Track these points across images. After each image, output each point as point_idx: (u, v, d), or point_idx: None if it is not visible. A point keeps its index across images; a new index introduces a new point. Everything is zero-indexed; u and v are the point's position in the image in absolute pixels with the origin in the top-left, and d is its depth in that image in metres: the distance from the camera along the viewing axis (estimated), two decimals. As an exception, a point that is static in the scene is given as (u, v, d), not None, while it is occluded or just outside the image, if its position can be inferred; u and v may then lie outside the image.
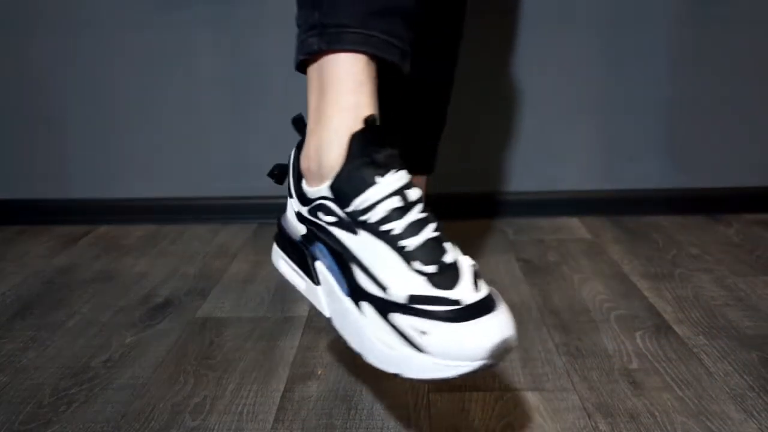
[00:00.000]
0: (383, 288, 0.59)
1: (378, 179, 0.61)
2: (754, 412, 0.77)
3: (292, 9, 0.92)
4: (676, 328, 0.97)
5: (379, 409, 0.80)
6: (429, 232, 0.61)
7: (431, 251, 0.59)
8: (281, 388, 0.84)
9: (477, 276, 0.60)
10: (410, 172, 0.65)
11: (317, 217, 0.65)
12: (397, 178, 0.62)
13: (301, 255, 0.68)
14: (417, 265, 0.59)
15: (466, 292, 0.57)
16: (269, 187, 1.49)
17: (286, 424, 0.77)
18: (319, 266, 0.66)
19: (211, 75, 1.45)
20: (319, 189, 0.65)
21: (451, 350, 0.56)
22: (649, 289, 1.10)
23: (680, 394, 0.81)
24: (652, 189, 1.50)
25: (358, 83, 0.64)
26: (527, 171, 1.50)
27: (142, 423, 0.78)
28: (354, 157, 0.62)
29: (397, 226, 0.60)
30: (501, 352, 0.57)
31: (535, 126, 1.48)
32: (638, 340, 0.94)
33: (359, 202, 0.61)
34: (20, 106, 1.49)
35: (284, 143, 1.50)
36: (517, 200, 1.50)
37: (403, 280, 0.59)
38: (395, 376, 0.58)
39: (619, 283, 1.13)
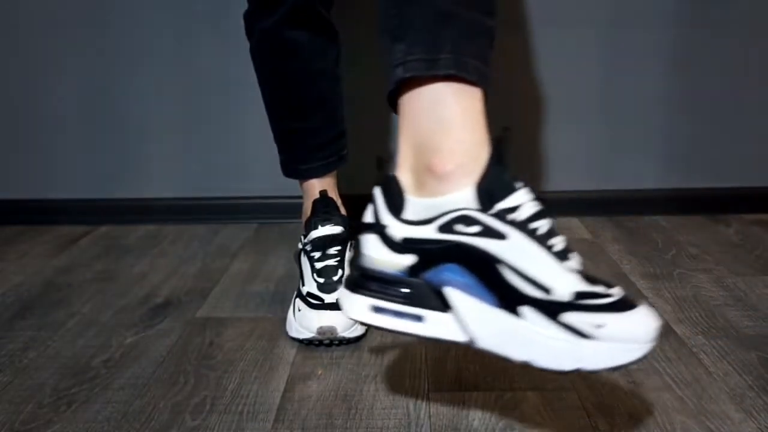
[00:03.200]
0: (546, 289, 0.60)
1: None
2: (754, 412, 0.77)
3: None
4: (675, 327, 0.97)
5: (379, 409, 0.80)
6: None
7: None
8: (281, 388, 0.85)
9: None
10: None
11: (454, 232, 0.61)
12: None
13: (413, 289, 0.63)
14: (569, 263, 0.61)
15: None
16: (269, 187, 1.50)
17: (287, 424, 0.77)
18: (450, 291, 0.62)
19: (211, 75, 1.46)
20: (454, 197, 0.62)
21: (627, 335, 0.58)
22: (648, 289, 1.10)
23: (680, 393, 0.81)
24: (652, 189, 1.50)
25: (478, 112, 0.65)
26: (527, 171, 1.50)
27: (143, 423, 0.78)
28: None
29: (541, 226, 0.62)
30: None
31: (535, 126, 1.48)
32: (638, 340, 0.94)
33: (509, 202, 0.61)
34: (20, 106, 1.49)
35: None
36: (517, 200, 1.50)
37: (564, 279, 0.60)
38: (576, 371, 0.59)
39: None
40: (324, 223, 1.02)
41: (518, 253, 0.60)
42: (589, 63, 1.45)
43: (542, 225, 0.62)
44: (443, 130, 0.63)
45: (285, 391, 0.84)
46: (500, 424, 0.76)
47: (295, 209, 1.54)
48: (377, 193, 0.65)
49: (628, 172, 1.50)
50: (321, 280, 0.96)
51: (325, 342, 0.93)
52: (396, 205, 0.63)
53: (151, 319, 1.04)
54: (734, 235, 1.35)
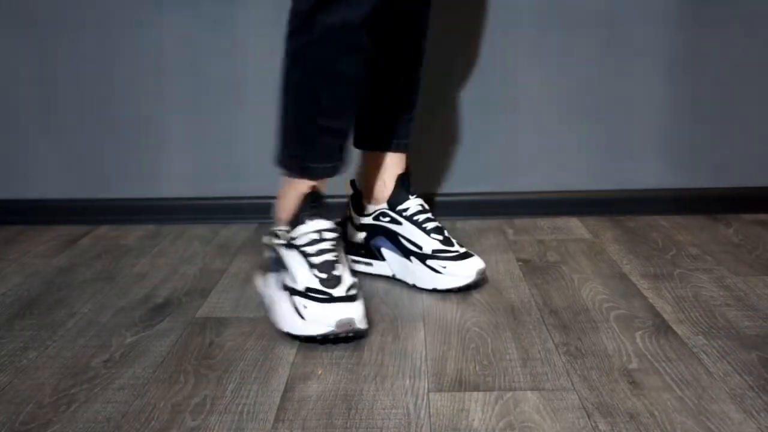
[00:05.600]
0: (420, 247, 1.14)
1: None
2: (754, 412, 0.77)
3: (292, 9, 0.92)
4: (675, 328, 0.97)
5: (379, 409, 0.80)
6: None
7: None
8: (281, 388, 0.85)
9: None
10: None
11: (380, 220, 1.19)
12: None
13: (367, 249, 1.20)
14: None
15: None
16: (269, 187, 1.50)
17: (287, 424, 0.77)
18: (384, 250, 1.18)
19: (212, 75, 1.46)
20: (380, 206, 1.20)
21: (460, 272, 1.10)
22: (648, 289, 1.10)
23: (680, 393, 0.81)
24: (652, 189, 1.50)
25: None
26: (528, 171, 1.50)
27: (143, 423, 0.78)
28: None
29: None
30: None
31: (535, 126, 1.48)
32: (638, 340, 0.94)
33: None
34: (20, 106, 1.50)
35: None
36: (517, 200, 1.50)
37: (428, 243, 1.14)
38: (433, 289, 1.12)
39: (618, 282, 1.13)
40: (312, 217, 1.02)
41: (405, 230, 1.16)
42: (589, 63, 1.45)
43: (421, 216, 1.16)
44: (382, 180, 1.19)
45: (285, 391, 0.84)
46: (500, 424, 0.76)
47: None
48: (349, 202, 1.23)
49: (629, 171, 1.50)
50: (323, 276, 0.97)
51: (341, 335, 0.93)
52: (359, 208, 1.22)
53: (151, 319, 1.04)
54: (734, 235, 1.36)
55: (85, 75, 1.47)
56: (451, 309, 1.05)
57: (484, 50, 1.44)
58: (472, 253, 1.15)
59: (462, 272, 1.10)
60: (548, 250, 1.30)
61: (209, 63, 1.45)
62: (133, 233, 1.45)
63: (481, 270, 1.12)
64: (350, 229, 1.22)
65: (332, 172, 1.08)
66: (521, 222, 1.47)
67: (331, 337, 0.93)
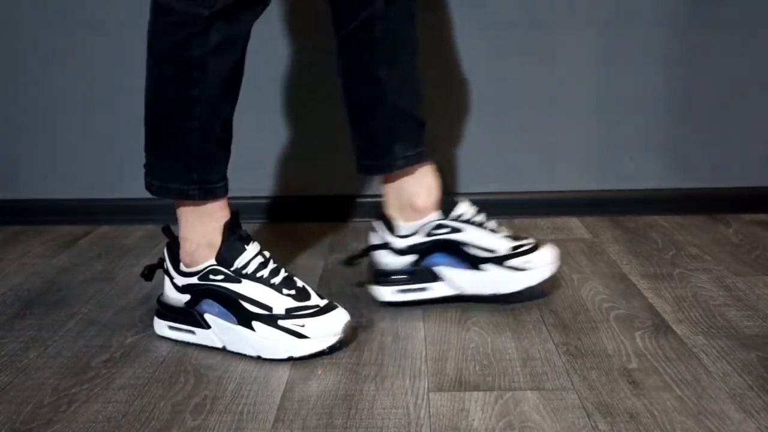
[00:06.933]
0: (492, 251, 1.04)
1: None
2: (753, 412, 0.77)
3: (292, 10, 0.92)
4: (675, 327, 0.97)
5: (379, 409, 0.80)
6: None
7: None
8: (281, 388, 0.85)
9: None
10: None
11: (435, 234, 1.05)
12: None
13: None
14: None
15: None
16: (269, 187, 1.50)
17: (287, 424, 0.77)
18: (440, 269, 1.05)
19: (211, 75, 1.45)
20: (429, 217, 1.05)
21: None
22: (648, 289, 1.11)
23: (679, 393, 0.81)
24: (652, 189, 1.50)
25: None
26: (528, 171, 1.50)
27: (143, 423, 0.78)
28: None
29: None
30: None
31: (535, 126, 1.48)
32: (638, 340, 0.94)
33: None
34: (20, 106, 1.50)
35: (283, 143, 1.50)
36: (517, 200, 1.50)
37: (501, 243, 1.05)
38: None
39: (618, 282, 1.13)
40: (248, 241, 0.97)
41: (471, 236, 1.05)
42: (588, 63, 1.45)
43: (479, 217, 1.07)
44: (423, 188, 1.07)
45: (285, 391, 0.84)
46: (500, 424, 0.76)
47: (297, 209, 1.54)
48: (379, 224, 1.08)
49: (629, 171, 1.50)
50: (293, 292, 0.94)
51: (347, 340, 0.94)
52: (392, 229, 1.07)
53: (152, 319, 1.04)
54: (734, 235, 1.36)
55: (84, 75, 1.47)
56: (451, 309, 1.05)
57: (483, 50, 1.44)
58: (540, 241, 1.08)
59: (545, 261, 1.04)
60: (548, 250, 1.30)
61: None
62: (133, 233, 1.45)
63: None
64: (386, 256, 1.07)
65: (227, 188, 1.00)
66: (521, 222, 1.47)
67: (338, 345, 0.92)
